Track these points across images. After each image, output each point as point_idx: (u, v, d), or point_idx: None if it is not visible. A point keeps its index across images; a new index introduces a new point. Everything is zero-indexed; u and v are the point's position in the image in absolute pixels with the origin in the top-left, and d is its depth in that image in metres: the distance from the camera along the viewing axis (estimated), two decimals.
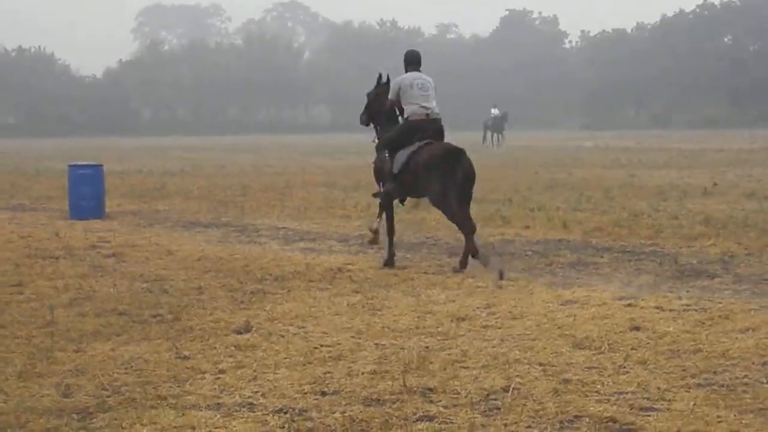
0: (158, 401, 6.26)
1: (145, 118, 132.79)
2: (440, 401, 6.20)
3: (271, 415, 5.98)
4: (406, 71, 12.47)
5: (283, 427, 5.77)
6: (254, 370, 6.98)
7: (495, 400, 6.23)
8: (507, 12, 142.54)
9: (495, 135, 56.53)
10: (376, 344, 7.76)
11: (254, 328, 8.31)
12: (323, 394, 6.43)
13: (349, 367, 7.05)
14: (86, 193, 18.19)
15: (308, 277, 11.05)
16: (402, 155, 12.00)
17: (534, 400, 6.19)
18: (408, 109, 12.20)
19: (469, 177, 11.73)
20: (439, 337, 8.00)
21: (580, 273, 11.30)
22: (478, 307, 9.20)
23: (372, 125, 13.11)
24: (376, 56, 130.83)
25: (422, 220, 16.37)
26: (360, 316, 8.82)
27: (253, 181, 27.55)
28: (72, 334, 8.19)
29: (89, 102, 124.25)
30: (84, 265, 12.01)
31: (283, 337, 8.04)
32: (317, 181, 27.14)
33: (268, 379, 6.74)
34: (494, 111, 57.12)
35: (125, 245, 13.79)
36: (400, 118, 12.48)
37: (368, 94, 13.19)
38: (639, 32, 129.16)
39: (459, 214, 11.62)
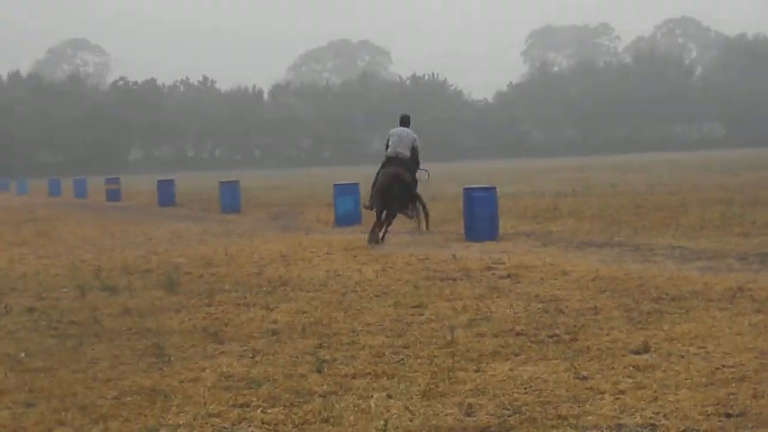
0: (559, 421, 6.30)
1: (535, 140, 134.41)
2: None
3: None
4: (400, 125, 19.12)
5: None
6: (654, 391, 6.87)
7: None
8: None
9: None
10: None
11: (652, 349, 8.18)
12: (728, 416, 6.24)
13: (755, 389, 6.79)
14: (481, 216, 18.62)
15: (706, 296, 10.74)
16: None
17: None
18: (387, 151, 18.69)
19: (395, 191, 18.18)
20: None
21: None
22: None
23: None
24: None
25: None
26: (763, 336, 8.47)
27: (646, 199, 27.14)
28: (471, 354, 8.39)
29: (480, 125, 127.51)
30: (480, 286, 12.24)
31: (682, 357, 7.87)
32: (713, 198, 26.31)
33: (670, 400, 6.62)
34: None
35: (520, 266, 13.94)
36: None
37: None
38: None
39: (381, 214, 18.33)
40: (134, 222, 27.73)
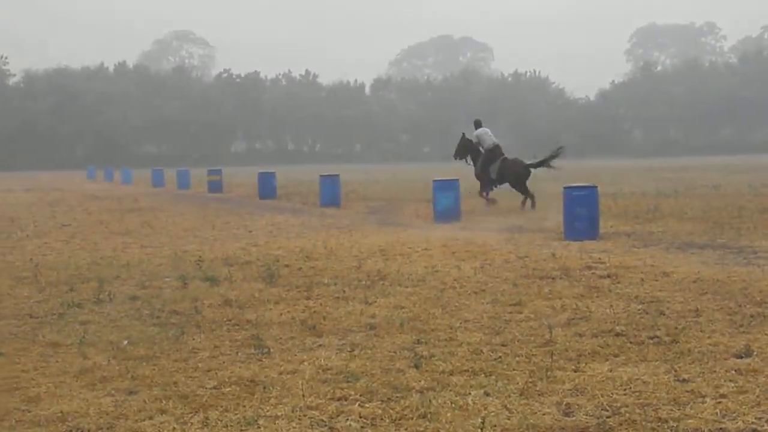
0: (659, 424, 6.22)
1: (637, 139, 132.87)
2: None
3: None
4: (476, 129, 26.93)
5: None
6: (757, 396, 6.75)
7: None
8: None
9: None
10: None
11: (755, 352, 8.04)
12: None
13: None
14: (581, 215, 18.45)
15: None
16: (494, 168, 26.19)
17: None
18: (485, 145, 26.36)
19: (521, 174, 25.80)
20: None
21: None
22: None
23: (465, 159, 27.32)
24: None
25: None
26: None
27: (750, 201, 26.63)
28: (570, 353, 8.33)
29: (582, 124, 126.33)
30: (580, 286, 12.14)
31: None
32: None
33: None
34: None
35: (620, 266, 13.79)
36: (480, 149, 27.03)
37: (462, 143, 27.44)
38: None
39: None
40: (235, 214, 28.06)
